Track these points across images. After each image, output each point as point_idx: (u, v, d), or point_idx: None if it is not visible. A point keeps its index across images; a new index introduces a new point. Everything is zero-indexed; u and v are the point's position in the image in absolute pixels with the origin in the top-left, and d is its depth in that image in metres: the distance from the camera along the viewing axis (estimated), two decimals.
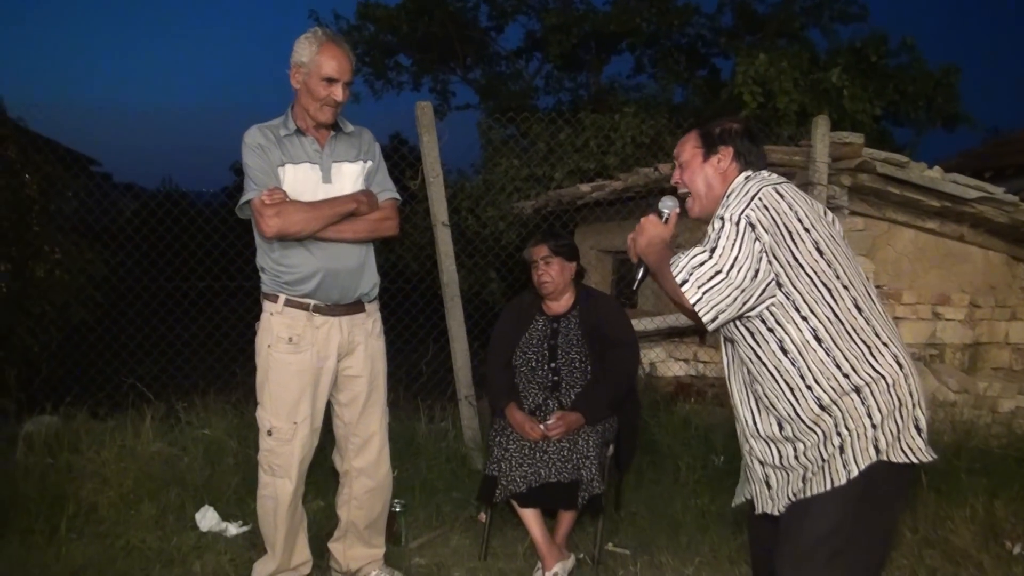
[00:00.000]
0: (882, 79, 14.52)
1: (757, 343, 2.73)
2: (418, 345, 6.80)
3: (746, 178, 2.82)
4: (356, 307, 3.73)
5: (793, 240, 2.65)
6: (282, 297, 3.59)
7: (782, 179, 2.82)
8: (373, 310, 3.85)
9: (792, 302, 2.65)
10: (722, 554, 4.27)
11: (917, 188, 6.14)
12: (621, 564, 4.29)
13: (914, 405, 2.68)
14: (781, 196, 2.70)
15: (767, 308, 2.65)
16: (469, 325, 5.61)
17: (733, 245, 2.59)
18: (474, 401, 5.53)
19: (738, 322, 2.73)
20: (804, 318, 2.65)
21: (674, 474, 5.13)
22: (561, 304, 4.50)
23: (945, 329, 6.68)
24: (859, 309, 2.71)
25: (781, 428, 2.75)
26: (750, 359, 2.78)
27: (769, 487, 2.86)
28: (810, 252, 2.67)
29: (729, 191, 2.82)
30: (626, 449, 4.52)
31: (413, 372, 6.48)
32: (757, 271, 2.59)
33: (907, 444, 2.67)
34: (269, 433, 3.62)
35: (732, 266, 2.58)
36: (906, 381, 2.67)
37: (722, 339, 2.97)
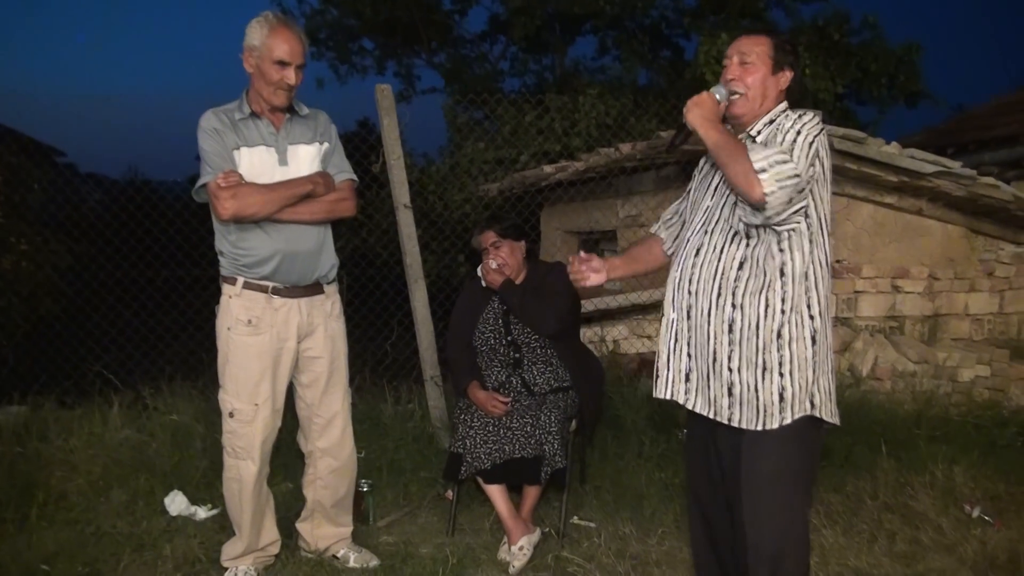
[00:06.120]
0: (844, 57, 14.61)
1: (764, 255, 2.85)
2: (383, 327, 6.81)
3: (794, 109, 2.98)
4: (315, 289, 3.75)
5: (826, 183, 2.85)
6: (240, 280, 3.61)
7: None
8: (332, 292, 3.86)
9: (807, 234, 2.82)
10: (684, 525, 4.30)
11: (875, 164, 6.20)
12: (586, 536, 4.34)
13: (834, 373, 2.93)
14: (830, 144, 2.89)
15: (786, 230, 2.80)
16: (435, 307, 5.63)
17: (805, 157, 2.74)
18: (440, 382, 5.55)
19: (763, 230, 2.84)
20: (807, 253, 2.83)
21: (638, 448, 5.18)
22: (517, 282, 4.50)
23: (904, 302, 6.76)
24: (833, 269, 2.92)
25: (731, 328, 2.88)
26: (749, 262, 2.88)
27: (688, 380, 3.04)
28: (828, 201, 2.87)
29: (778, 111, 2.99)
30: (588, 417, 4.52)
31: (379, 354, 6.50)
32: (803, 189, 2.74)
33: (834, 407, 2.93)
34: (231, 415, 3.65)
35: (803, 174, 2.73)
36: (831, 351, 2.91)
37: (699, 231, 3.05)
